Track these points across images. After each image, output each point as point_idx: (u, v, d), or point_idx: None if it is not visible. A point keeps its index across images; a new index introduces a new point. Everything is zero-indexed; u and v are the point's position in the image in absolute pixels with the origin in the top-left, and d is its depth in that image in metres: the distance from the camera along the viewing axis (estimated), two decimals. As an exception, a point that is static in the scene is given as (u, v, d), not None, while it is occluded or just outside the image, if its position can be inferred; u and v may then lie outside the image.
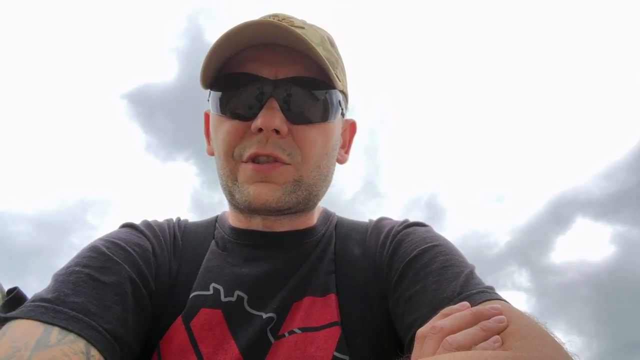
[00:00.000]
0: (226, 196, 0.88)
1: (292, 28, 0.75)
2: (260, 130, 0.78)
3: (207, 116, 0.94)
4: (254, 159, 0.80)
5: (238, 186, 0.82)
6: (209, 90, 0.85)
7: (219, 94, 0.83)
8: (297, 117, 0.80)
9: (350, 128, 1.01)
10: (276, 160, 0.79)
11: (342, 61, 0.91)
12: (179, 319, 0.78)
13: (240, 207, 0.85)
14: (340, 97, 0.87)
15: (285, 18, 0.82)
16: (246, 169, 0.80)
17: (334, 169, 0.92)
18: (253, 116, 0.79)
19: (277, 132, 0.78)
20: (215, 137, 0.85)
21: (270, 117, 0.77)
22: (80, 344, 0.62)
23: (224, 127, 0.82)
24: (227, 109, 0.82)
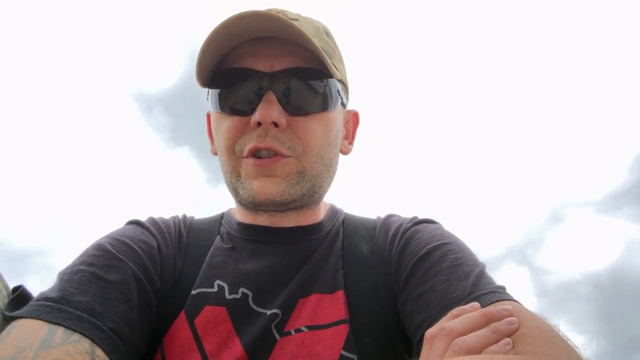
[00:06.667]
0: (231, 193, 0.87)
1: (287, 19, 0.73)
2: (259, 124, 0.77)
3: (209, 117, 0.95)
4: (255, 154, 0.79)
5: (242, 182, 0.81)
6: (207, 89, 0.84)
7: (217, 91, 0.82)
8: (296, 108, 0.79)
9: (353, 119, 0.99)
10: (276, 153, 0.78)
11: (339, 51, 0.89)
12: (183, 316, 0.77)
13: (245, 203, 0.84)
14: (339, 86, 0.85)
15: (279, 11, 0.80)
16: (248, 165, 0.80)
17: (337, 160, 0.91)
18: (252, 111, 0.78)
19: (276, 125, 0.77)
20: (217, 134, 0.85)
21: (268, 111, 0.76)
22: (85, 344, 0.61)
23: (224, 124, 0.82)
24: (225, 105, 0.81)
